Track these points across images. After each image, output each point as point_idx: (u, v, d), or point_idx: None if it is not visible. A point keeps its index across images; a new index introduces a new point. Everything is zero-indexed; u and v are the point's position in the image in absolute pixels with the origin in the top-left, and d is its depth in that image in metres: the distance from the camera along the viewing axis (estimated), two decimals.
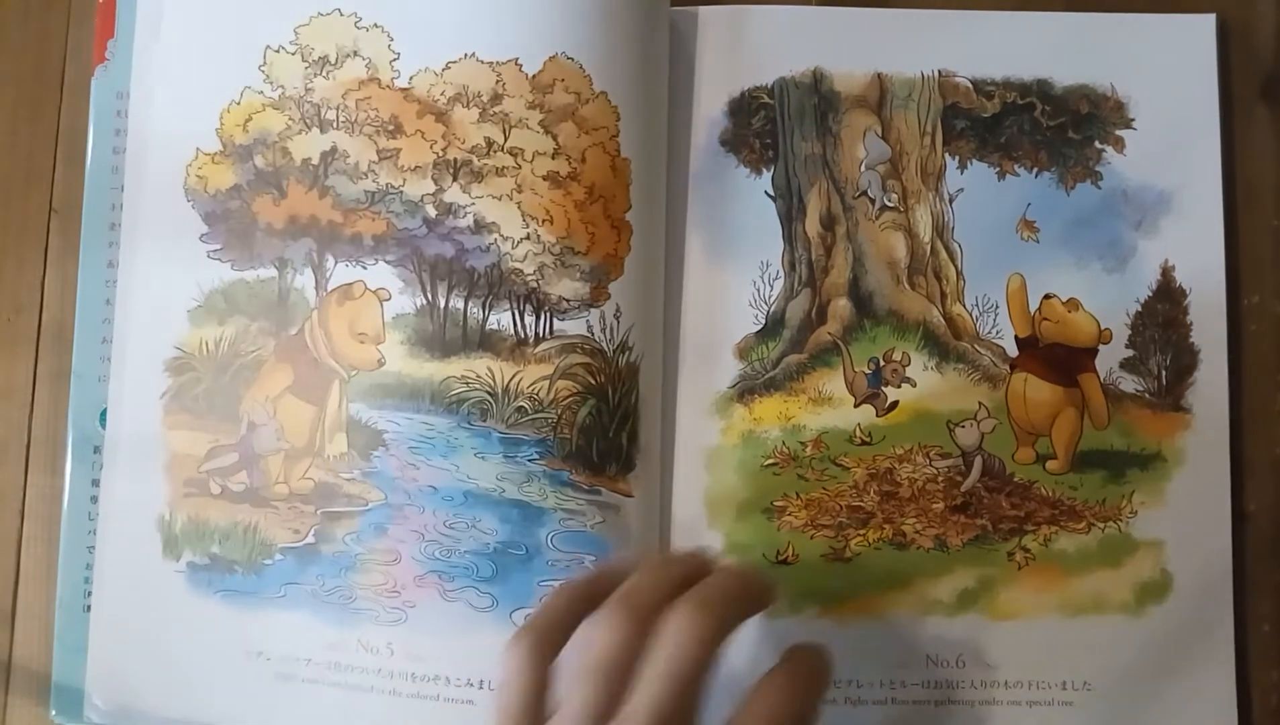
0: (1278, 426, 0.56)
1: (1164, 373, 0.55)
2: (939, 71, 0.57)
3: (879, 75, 0.57)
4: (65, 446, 0.56)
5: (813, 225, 0.56)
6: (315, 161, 0.56)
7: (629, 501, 0.54)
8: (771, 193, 0.57)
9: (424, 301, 0.54)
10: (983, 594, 0.54)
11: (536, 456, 0.53)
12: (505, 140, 0.55)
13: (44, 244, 0.58)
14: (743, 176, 0.57)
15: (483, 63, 0.55)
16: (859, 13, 0.58)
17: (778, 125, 0.57)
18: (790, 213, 0.57)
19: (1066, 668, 0.54)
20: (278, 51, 0.56)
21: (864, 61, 0.57)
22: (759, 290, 0.56)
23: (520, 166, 0.54)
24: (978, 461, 0.55)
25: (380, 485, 0.54)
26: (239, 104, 0.56)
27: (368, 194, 0.55)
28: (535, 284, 0.54)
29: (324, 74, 0.56)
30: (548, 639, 0.45)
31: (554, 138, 0.54)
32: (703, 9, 0.57)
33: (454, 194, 0.55)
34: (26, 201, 0.59)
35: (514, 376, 0.54)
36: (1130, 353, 0.55)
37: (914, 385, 0.56)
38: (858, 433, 0.55)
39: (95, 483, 0.56)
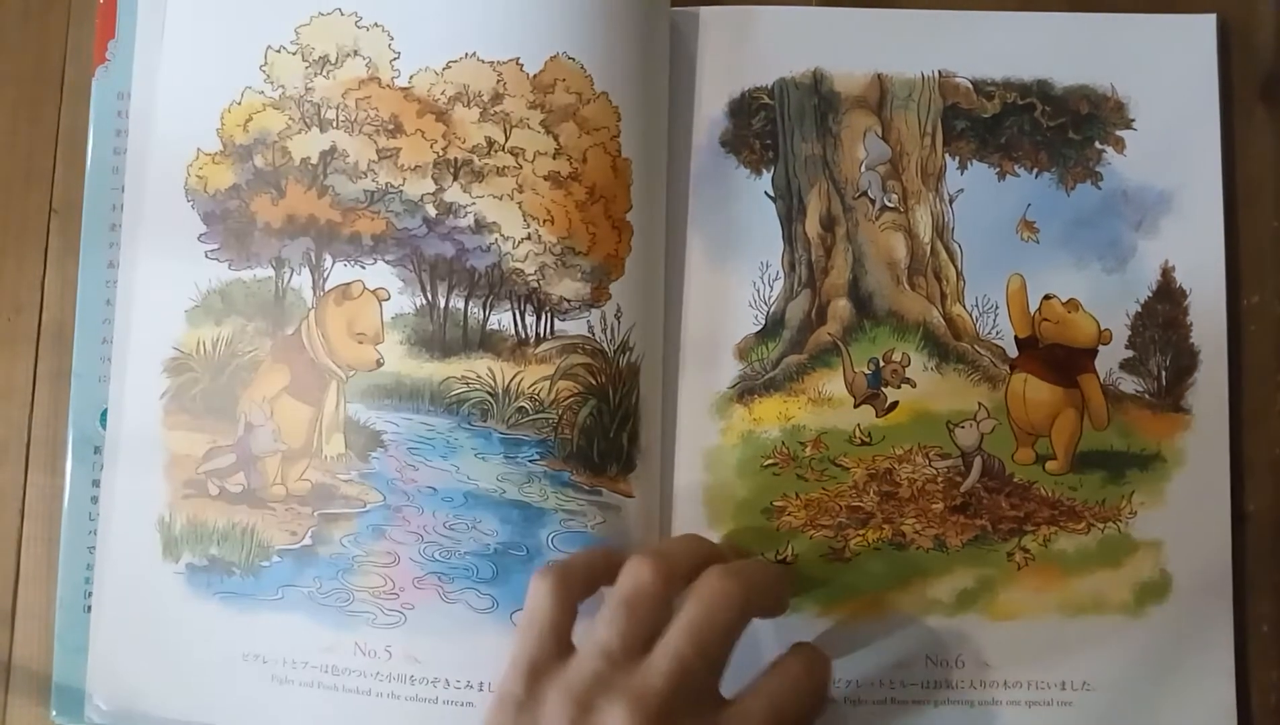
0: (1278, 427, 0.55)
1: (1164, 373, 0.54)
2: (939, 72, 0.56)
3: (879, 76, 0.56)
4: (65, 446, 0.56)
5: (813, 226, 0.56)
6: (314, 161, 0.55)
7: (630, 502, 0.53)
8: (771, 193, 0.56)
9: (423, 301, 0.54)
10: (982, 594, 0.54)
11: (537, 457, 0.53)
12: (506, 140, 0.54)
13: (44, 244, 0.58)
14: (743, 177, 0.56)
15: (483, 62, 0.54)
16: (859, 13, 0.57)
17: (778, 126, 0.56)
18: (790, 213, 0.56)
19: (1066, 668, 0.53)
20: (278, 51, 0.56)
21: (864, 62, 0.57)
22: (759, 291, 0.56)
23: (521, 166, 0.54)
24: (977, 462, 0.54)
25: (378, 486, 0.53)
26: (240, 104, 0.56)
27: (367, 193, 0.55)
28: (536, 284, 0.54)
29: (324, 73, 0.55)
30: (575, 577, 0.47)
31: (555, 138, 0.54)
32: (703, 9, 0.57)
33: (454, 193, 0.54)
34: (26, 201, 0.58)
35: (515, 377, 0.53)
36: (1130, 353, 0.55)
37: (914, 386, 0.55)
38: (857, 433, 0.55)
39: (96, 483, 0.55)
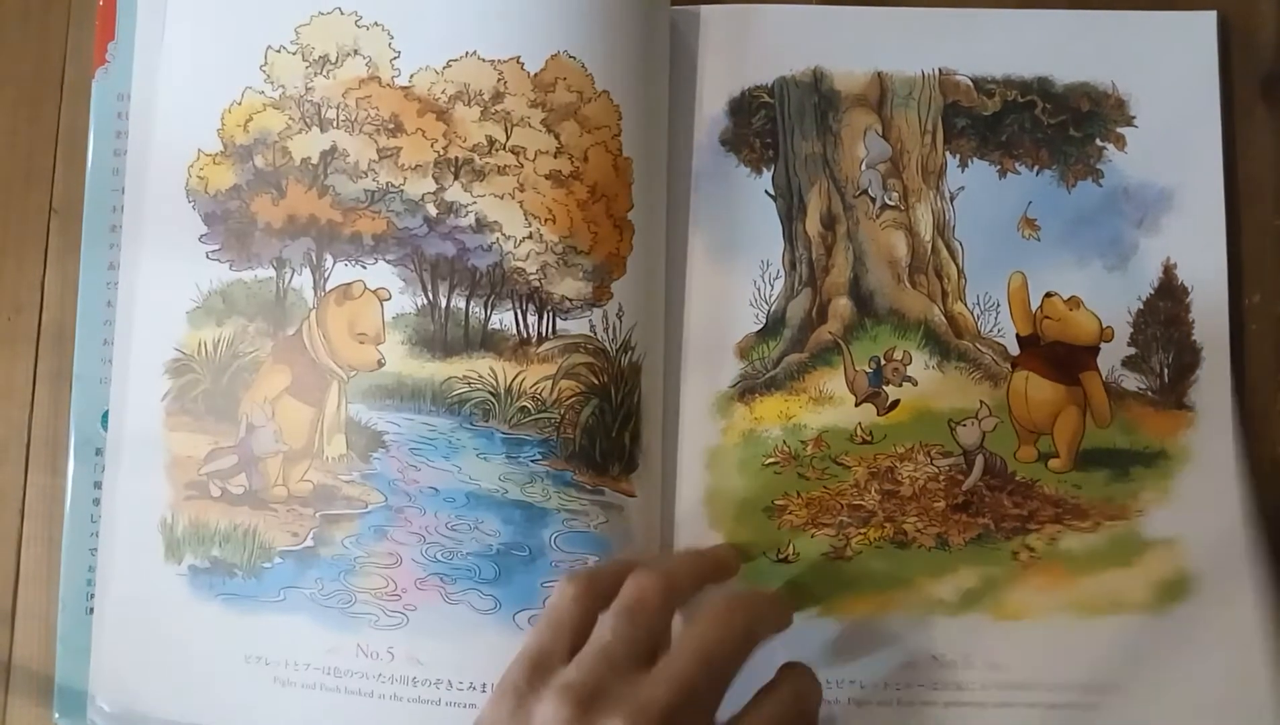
0: (1278, 427, 0.54)
1: (1166, 371, 0.53)
2: (939, 70, 0.56)
3: (879, 74, 0.56)
4: (65, 446, 0.55)
5: (813, 224, 0.55)
6: (315, 161, 0.54)
7: (632, 501, 0.53)
8: (772, 192, 0.56)
9: (425, 301, 0.53)
10: (987, 593, 0.52)
11: (539, 457, 0.52)
12: (507, 139, 0.53)
13: (44, 244, 0.57)
14: (743, 176, 0.56)
15: (484, 61, 0.54)
16: (859, 12, 0.56)
17: (778, 124, 0.56)
18: (790, 212, 0.55)
19: (1086, 670, 0.52)
20: (279, 51, 0.55)
21: (864, 60, 0.56)
22: (759, 290, 0.55)
23: (522, 165, 0.53)
24: (979, 460, 0.53)
25: (380, 487, 0.53)
26: (240, 104, 0.55)
27: (368, 193, 0.54)
28: (538, 283, 0.53)
29: (324, 73, 0.55)
30: (601, 586, 0.46)
31: (556, 136, 0.53)
32: (703, 8, 0.57)
33: (455, 193, 0.53)
34: (26, 201, 0.58)
35: (517, 376, 0.52)
36: (1132, 351, 0.54)
37: (915, 384, 0.54)
38: (858, 431, 0.54)
39: (97, 485, 0.55)
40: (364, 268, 0.53)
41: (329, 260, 0.54)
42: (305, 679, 0.52)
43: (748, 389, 0.54)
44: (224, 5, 0.56)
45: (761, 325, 0.55)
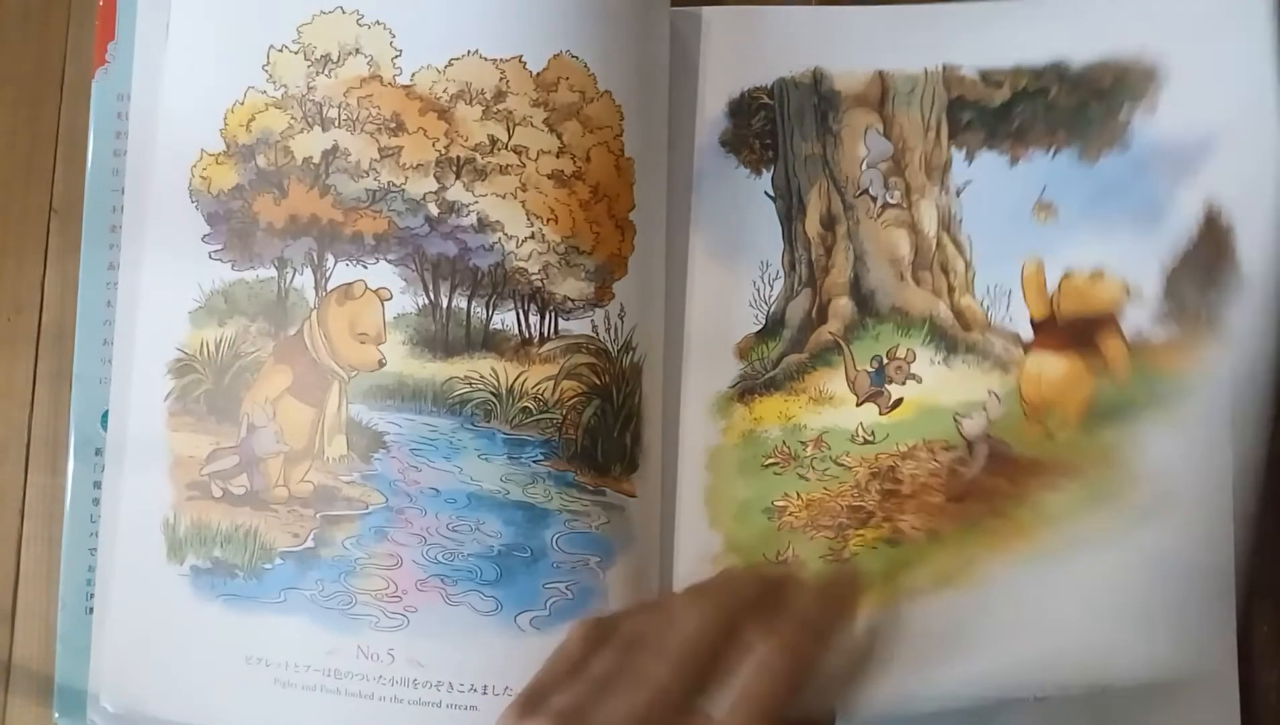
0: None
1: (1205, 312, 0.49)
2: (943, 66, 0.54)
3: (880, 73, 0.55)
4: (65, 446, 0.55)
5: (813, 225, 0.54)
6: (316, 160, 0.53)
7: (632, 502, 0.52)
8: (771, 193, 0.55)
9: (426, 301, 0.52)
10: (963, 572, 0.50)
11: (541, 457, 0.51)
12: (509, 138, 0.52)
13: (44, 244, 0.57)
14: (743, 177, 0.55)
15: (486, 60, 0.53)
16: (859, 11, 0.55)
17: (777, 126, 0.55)
18: (790, 213, 0.55)
19: (1069, 669, 0.49)
20: (280, 50, 0.54)
21: (864, 60, 0.55)
22: (759, 290, 0.54)
23: (525, 165, 0.52)
24: (984, 448, 0.52)
25: (380, 488, 0.52)
26: (243, 103, 0.54)
27: (369, 192, 0.53)
28: (540, 283, 0.52)
29: (326, 72, 0.54)
30: (607, 629, 0.43)
31: (559, 136, 0.52)
32: (703, 9, 0.56)
33: (457, 192, 0.52)
34: (26, 201, 0.57)
35: (519, 377, 0.51)
36: (1164, 305, 0.50)
37: (919, 381, 0.53)
38: (859, 431, 0.53)
39: (97, 485, 0.54)
40: (365, 267, 0.53)
41: (330, 260, 0.53)
42: (306, 681, 0.51)
43: (747, 389, 0.54)
44: (226, 5, 0.55)
45: (761, 326, 0.54)
